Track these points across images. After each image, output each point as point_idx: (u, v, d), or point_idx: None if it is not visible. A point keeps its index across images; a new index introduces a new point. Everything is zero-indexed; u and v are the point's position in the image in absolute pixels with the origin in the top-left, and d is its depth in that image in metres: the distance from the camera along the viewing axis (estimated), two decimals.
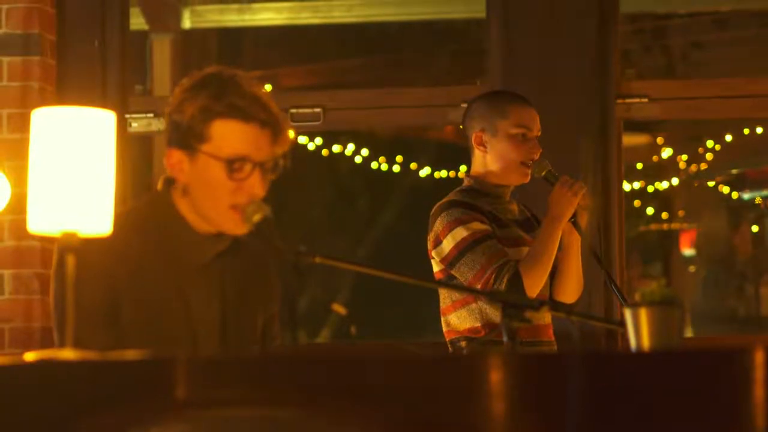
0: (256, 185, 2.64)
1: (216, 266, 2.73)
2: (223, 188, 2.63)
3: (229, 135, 2.63)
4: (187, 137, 2.64)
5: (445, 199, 3.91)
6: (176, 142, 2.66)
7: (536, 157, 3.89)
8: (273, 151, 2.66)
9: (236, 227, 2.66)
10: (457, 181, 4.43)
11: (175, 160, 2.67)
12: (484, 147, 3.93)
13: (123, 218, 2.68)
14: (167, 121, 2.70)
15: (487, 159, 3.94)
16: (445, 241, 3.83)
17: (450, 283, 3.84)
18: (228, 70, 2.71)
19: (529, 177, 3.93)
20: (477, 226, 3.81)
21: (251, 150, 2.63)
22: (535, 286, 3.78)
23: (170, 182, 2.73)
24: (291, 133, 2.72)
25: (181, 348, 2.63)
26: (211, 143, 2.63)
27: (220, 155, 2.62)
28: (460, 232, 3.81)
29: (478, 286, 3.77)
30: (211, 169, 2.63)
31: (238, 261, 2.78)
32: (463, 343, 3.86)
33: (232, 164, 2.62)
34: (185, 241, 2.69)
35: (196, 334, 2.67)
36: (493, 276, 3.76)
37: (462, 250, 3.80)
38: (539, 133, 3.93)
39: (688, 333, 7.40)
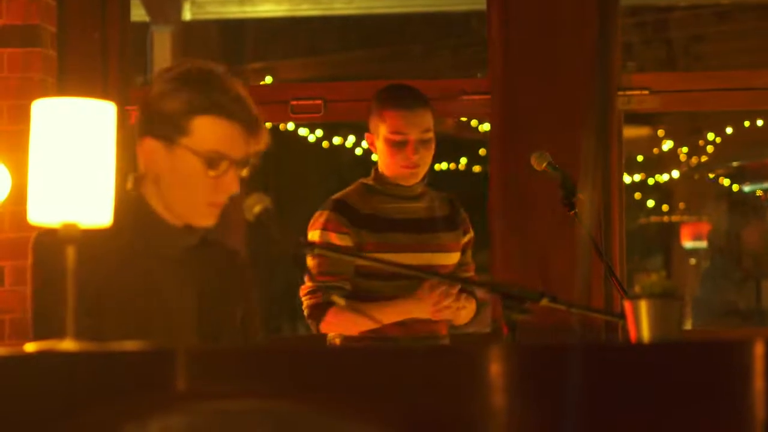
0: (232, 183, 2.66)
1: (192, 260, 2.74)
2: (199, 183, 2.64)
3: (211, 131, 2.64)
4: (167, 129, 2.65)
5: (339, 193, 3.93)
6: (151, 132, 2.67)
7: (413, 158, 3.85)
8: (248, 149, 2.68)
9: (207, 221, 2.68)
10: (457, 172, 4.43)
11: (148, 150, 2.68)
12: (375, 147, 3.93)
13: None
14: (143, 109, 2.70)
15: (379, 161, 3.94)
16: (308, 235, 3.89)
17: (446, 276, 3.84)
18: (209, 65, 2.71)
19: (419, 177, 3.91)
20: (332, 238, 3.84)
21: (230, 148, 2.65)
22: (330, 327, 3.83)
23: (139, 180, 2.74)
24: (267, 135, 2.72)
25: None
26: (191, 137, 2.64)
27: (199, 150, 2.63)
28: (315, 236, 3.86)
29: (300, 293, 3.87)
30: (188, 163, 2.64)
31: (213, 255, 2.79)
32: (337, 341, 3.88)
33: (211, 160, 2.63)
34: (157, 234, 2.70)
35: (171, 328, 2.67)
36: (306, 291, 3.85)
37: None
38: (427, 134, 3.88)
39: (688, 325, 7.39)
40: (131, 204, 2.71)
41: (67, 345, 2.07)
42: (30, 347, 2.06)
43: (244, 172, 2.69)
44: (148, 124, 2.68)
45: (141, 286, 2.65)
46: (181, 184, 2.67)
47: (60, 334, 2.13)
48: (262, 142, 2.70)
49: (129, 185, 2.76)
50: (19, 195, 4.63)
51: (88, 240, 2.43)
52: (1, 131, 4.83)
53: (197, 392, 1.95)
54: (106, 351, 2.06)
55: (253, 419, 1.94)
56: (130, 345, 2.09)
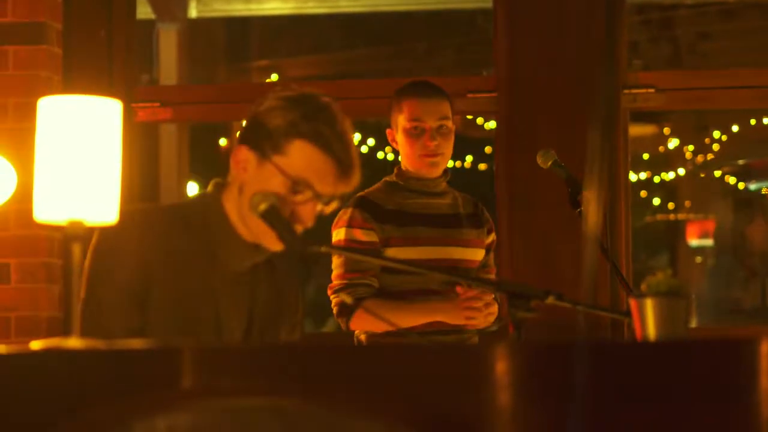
0: (308, 214, 2.65)
1: (251, 278, 2.74)
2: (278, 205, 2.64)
3: (305, 158, 2.63)
4: (264, 143, 2.65)
5: (362, 192, 3.93)
6: (250, 142, 2.67)
7: (431, 145, 3.88)
8: (336, 188, 2.67)
9: (275, 244, 2.66)
10: (463, 171, 4.43)
11: (241, 158, 2.68)
12: (396, 143, 3.94)
13: (166, 211, 2.72)
14: (249, 119, 2.70)
15: (400, 156, 3.96)
16: (333, 233, 3.90)
17: (451, 275, 3.84)
18: (327, 97, 2.72)
19: (439, 167, 3.93)
20: (357, 234, 3.85)
21: (318, 181, 2.64)
22: (359, 326, 3.84)
23: (221, 186, 2.73)
24: (358, 179, 2.71)
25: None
26: (284, 158, 2.63)
27: (288, 172, 2.62)
28: (340, 234, 3.86)
29: (328, 292, 3.87)
30: (274, 181, 2.63)
31: (273, 278, 2.79)
32: (362, 337, 3.89)
33: (296, 185, 2.63)
34: (227, 245, 2.69)
35: (220, 337, 2.68)
36: (334, 289, 3.85)
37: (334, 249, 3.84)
38: (444, 122, 3.91)
39: (694, 323, 7.39)
40: (207, 206, 2.71)
41: (73, 343, 2.07)
42: (36, 345, 2.06)
43: (325, 210, 2.69)
44: (248, 134, 2.69)
45: (195, 291, 2.66)
46: None
47: (104, 322, 2.15)
48: (352, 186, 2.69)
49: (210, 188, 2.76)
50: (24, 192, 4.64)
51: (151, 231, 2.49)
52: (6, 128, 4.83)
53: (204, 390, 1.95)
54: (112, 349, 2.06)
55: (259, 417, 1.94)
56: (136, 343, 2.09)
